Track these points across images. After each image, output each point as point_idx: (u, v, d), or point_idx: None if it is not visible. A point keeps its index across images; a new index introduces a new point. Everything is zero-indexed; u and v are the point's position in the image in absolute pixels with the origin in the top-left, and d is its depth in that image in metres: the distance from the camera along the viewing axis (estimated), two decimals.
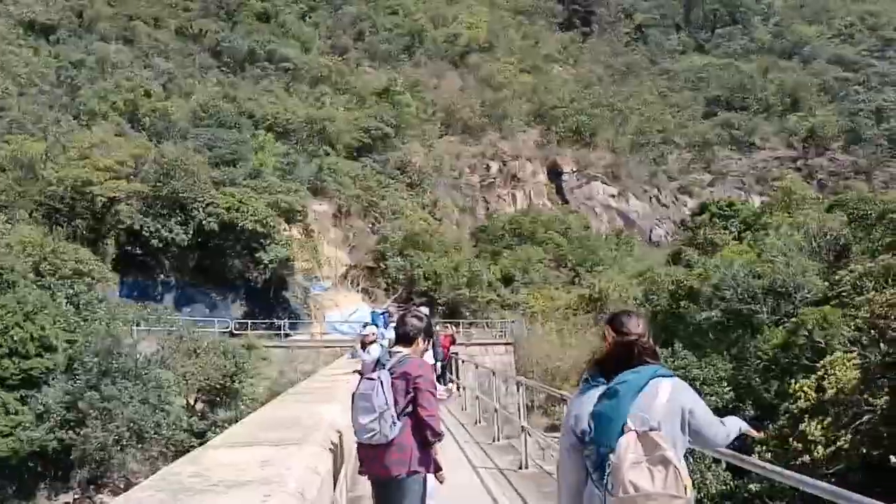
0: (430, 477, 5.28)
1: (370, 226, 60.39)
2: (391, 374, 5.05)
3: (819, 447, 24.45)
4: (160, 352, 34.77)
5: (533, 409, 46.46)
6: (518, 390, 11.80)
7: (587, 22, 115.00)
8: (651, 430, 3.09)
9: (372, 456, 5.05)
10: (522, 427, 10.06)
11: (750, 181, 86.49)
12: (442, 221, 67.39)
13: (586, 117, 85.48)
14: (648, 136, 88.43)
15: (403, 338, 5.34)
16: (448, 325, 20.91)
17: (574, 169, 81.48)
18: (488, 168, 79.08)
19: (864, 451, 24.81)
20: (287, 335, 43.96)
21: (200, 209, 45.05)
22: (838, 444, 24.84)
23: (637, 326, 3.52)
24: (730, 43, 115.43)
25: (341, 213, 59.88)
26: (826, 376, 26.60)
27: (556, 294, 58.59)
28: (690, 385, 3.54)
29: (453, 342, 20.76)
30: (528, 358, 47.55)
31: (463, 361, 19.68)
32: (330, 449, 5.24)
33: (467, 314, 52.87)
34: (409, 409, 5.00)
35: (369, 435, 4.91)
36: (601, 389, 3.35)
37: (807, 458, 24.48)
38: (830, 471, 24.28)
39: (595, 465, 3.17)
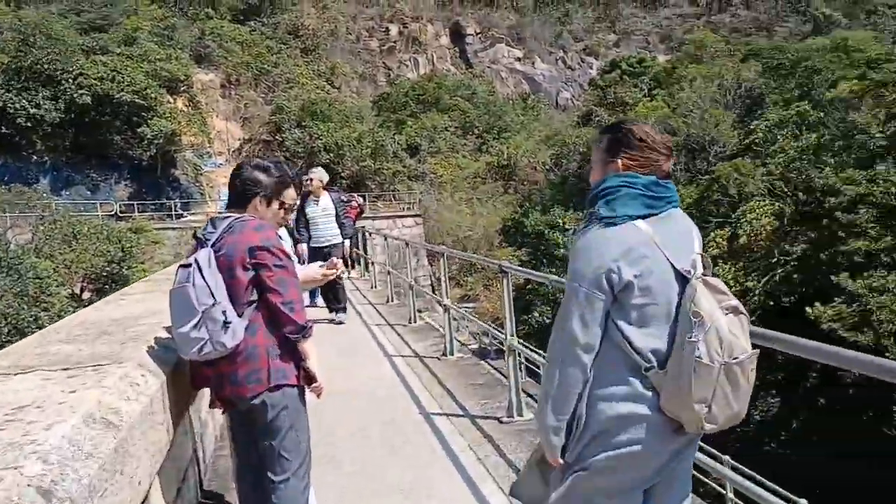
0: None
1: (263, 96, 56.44)
2: (216, 251, 3.12)
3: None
4: (34, 240, 31.62)
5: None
6: (439, 261, 10.05)
7: None
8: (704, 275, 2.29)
9: (213, 376, 3.20)
10: (444, 306, 8.33)
11: (654, 40, 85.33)
12: (341, 90, 64.00)
13: None
14: None
15: (234, 197, 3.37)
16: (354, 195, 18.93)
17: (478, 31, 78.26)
18: (388, 31, 74.98)
19: (780, 297, 24.83)
20: (180, 216, 41.01)
21: (70, 81, 40.52)
22: (747, 284, 24.74)
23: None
24: None
25: (230, 82, 55.60)
26: (739, 225, 26.20)
27: (464, 162, 57.03)
28: None
29: (360, 213, 18.82)
30: (438, 229, 46.31)
31: (371, 234, 17.80)
32: (164, 373, 3.30)
33: (373, 187, 50.74)
34: (255, 297, 3.14)
35: (197, 348, 3.02)
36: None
37: None
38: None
39: (649, 321, 2.25)
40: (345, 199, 12.00)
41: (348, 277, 18.27)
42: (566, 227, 28.74)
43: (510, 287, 5.99)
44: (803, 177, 25.36)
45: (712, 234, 27.02)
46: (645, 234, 2.27)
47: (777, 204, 25.97)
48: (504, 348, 6.07)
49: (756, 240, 24.97)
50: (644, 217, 2.30)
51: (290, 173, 3.50)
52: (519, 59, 78.11)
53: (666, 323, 2.26)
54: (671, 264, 2.27)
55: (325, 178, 10.96)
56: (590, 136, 39.09)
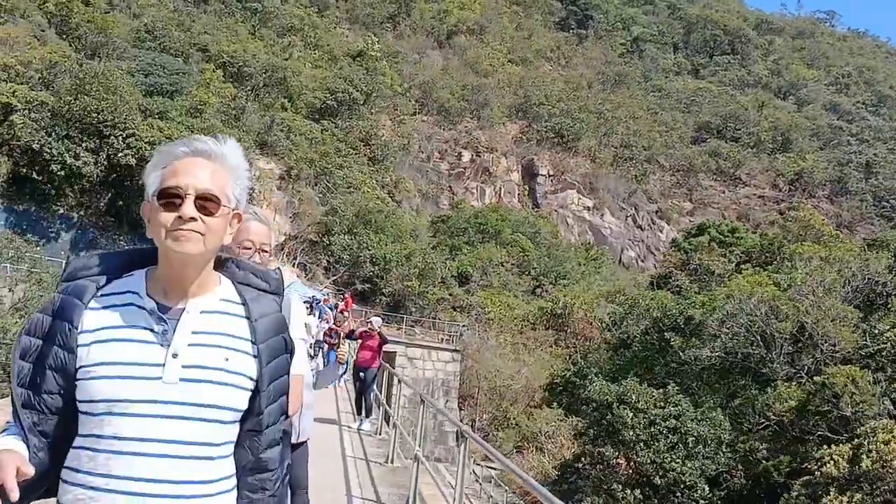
0: None
1: (320, 196, 53.35)
2: None
3: None
4: (22, 299, 27.56)
5: (472, 430, 40.08)
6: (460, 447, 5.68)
7: (584, 25, 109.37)
8: None
9: None
10: None
11: (731, 216, 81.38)
12: (401, 204, 61.07)
13: (571, 120, 79.63)
14: (633, 151, 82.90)
15: None
16: (346, 293, 14.19)
17: (551, 172, 75.54)
18: (460, 156, 72.71)
19: None
20: None
21: (119, 139, 37.64)
22: None
23: None
24: (726, 72, 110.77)
25: (290, 175, 52.73)
26: (865, 445, 20.61)
27: (515, 302, 52.44)
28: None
29: (383, 342, 13.97)
30: (476, 371, 41.21)
31: (399, 381, 12.59)
32: None
33: (413, 310, 46.47)
34: None
35: None
36: None
37: None
38: None
39: None
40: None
41: (359, 430, 13.37)
42: (638, 405, 23.45)
43: None
44: None
45: (820, 451, 21.56)
46: None
47: None
48: None
49: (885, 466, 19.46)
50: None
51: None
52: (588, 209, 74.77)
53: None
54: None
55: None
56: (669, 301, 34.26)
